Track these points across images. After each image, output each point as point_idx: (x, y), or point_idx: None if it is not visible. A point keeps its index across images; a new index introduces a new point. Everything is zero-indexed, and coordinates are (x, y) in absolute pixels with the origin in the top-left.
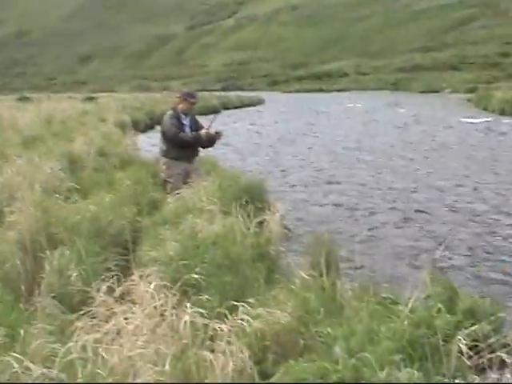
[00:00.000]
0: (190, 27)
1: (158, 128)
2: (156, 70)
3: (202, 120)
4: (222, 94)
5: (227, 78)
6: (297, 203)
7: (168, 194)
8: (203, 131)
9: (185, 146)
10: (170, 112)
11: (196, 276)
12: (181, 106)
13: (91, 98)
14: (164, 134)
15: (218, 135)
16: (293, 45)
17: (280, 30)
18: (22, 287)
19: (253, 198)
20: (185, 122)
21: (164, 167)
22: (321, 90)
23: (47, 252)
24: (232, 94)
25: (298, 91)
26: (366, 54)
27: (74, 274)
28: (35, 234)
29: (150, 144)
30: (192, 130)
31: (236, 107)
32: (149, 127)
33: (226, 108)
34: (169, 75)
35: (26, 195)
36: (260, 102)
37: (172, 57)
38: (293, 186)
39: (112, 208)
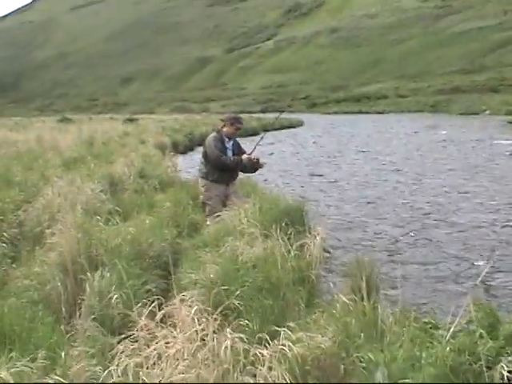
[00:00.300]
0: (229, 50)
1: (198, 150)
2: (195, 92)
3: (246, 142)
4: (261, 115)
5: (266, 100)
6: (335, 224)
7: (207, 216)
8: (245, 156)
9: (225, 169)
10: (213, 134)
11: (237, 302)
12: (225, 130)
13: (132, 120)
14: (206, 156)
15: (259, 164)
16: (331, 67)
17: (318, 52)
18: (63, 309)
19: (293, 220)
20: (228, 146)
21: (203, 189)
22: (360, 112)
23: (88, 274)
24: (271, 116)
25: (336, 113)
26: (404, 76)
27: (115, 297)
28: (76, 255)
29: (190, 166)
30: (234, 154)
31: (275, 129)
32: (188, 149)
33: (266, 130)
34: (208, 97)
35: (67, 217)
36: (299, 123)
37: (211, 79)
38: (330, 206)
39: (152, 230)
